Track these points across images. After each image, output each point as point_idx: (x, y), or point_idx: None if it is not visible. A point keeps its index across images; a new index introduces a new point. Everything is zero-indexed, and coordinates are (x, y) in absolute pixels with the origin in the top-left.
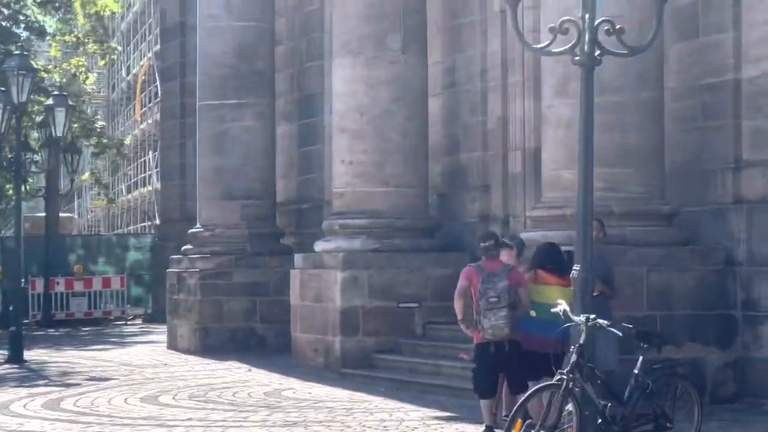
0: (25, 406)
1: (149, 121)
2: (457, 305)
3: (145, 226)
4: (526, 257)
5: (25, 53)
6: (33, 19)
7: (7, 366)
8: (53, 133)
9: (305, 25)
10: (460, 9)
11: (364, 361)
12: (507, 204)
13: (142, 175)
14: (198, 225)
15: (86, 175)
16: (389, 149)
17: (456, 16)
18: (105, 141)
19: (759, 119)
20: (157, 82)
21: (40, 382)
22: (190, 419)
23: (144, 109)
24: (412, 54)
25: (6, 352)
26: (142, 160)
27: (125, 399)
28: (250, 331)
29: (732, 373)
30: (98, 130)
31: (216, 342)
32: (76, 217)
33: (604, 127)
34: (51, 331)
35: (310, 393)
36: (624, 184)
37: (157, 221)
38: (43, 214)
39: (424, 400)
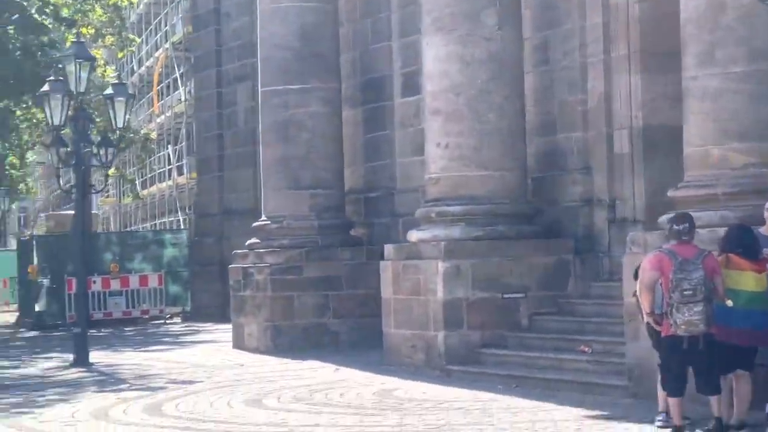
0: (124, 412)
1: (168, 114)
2: (645, 299)
3: (164, 222)
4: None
5: (82, 41)
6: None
7: (75, 369)
8: (113, 124)
9: (368, 5)
10: None
11: (469, 356)
12: (612, 187)
13: (162, 169)
14: (264, 217)
15: (112, 170)
16: (486, 131)
17: None
18: (131, 135)
19: None
20: (177, 74)
21: (122, 386)
22: (318, 425)
23: (162, 102)
24: (507, 30)
25: (67, 355)
26: (161, 154)
27: (228, 402)
28: (323, 327)
29: None
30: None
31: (287, 340)
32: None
33: (757, 98)
34: (93, 331)
35: (424, 393)
36: None
37: (181, 216)
38: (68, 212)
39: (558, 398)
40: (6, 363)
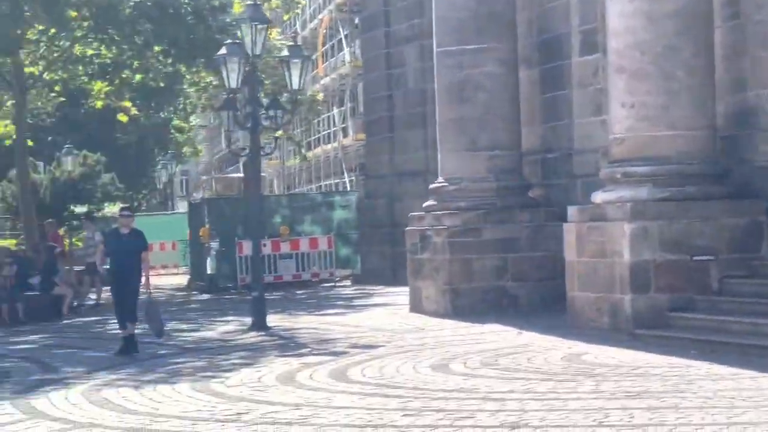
0: (310, 377)
1: (332, 76)
2: None
3: (329, 184)
4: None
5: (257, 3)
6: None
7: (254, 333)
8: (289, 86)
9: None
10: None
11: (656, 320)
12: None
13: (327, 131)
14: (440, 179)
15: (279, 132)
16: (675, 89)
17: None
18: (299, 97)
19: None
20: (341, 35)
21: (303, 350)
22: (512, 391)
23: (326, 63)
24: None
25: (243, 319)
26: (326, 116)
27: (413, 367)
28: (502, 290)
29: None
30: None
31: (467, 303)
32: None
33: None
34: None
35: (613, 358)
36: None
37: (346, 178)
38: (236, 175)
39: (757, 365)
40: (184, 326)
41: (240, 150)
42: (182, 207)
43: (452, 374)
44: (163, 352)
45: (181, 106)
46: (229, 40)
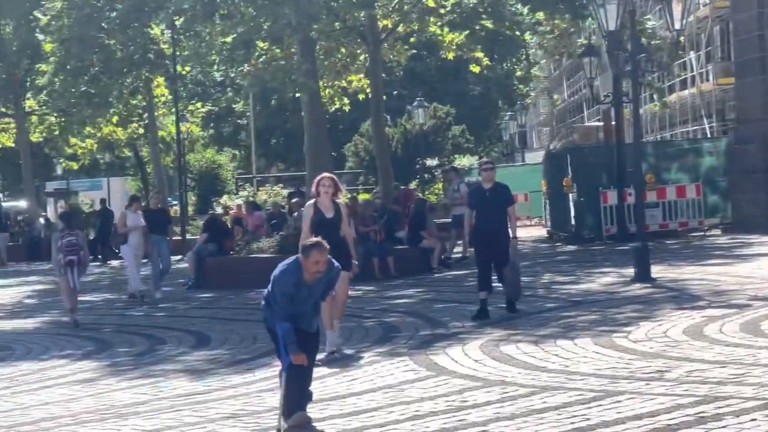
0: (720, 330)
1: (689, 19)
2: None
3: (686, 131)
4: None
5: None
6: None
7: (639, 285)
8: (669, 26)
9: None
10: None
11: None
12: None
13: (684, 75)
14: None
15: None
16: None
17: None
18: (657, 41)
19: None
20: None
21: (700, 303)
22: None
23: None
24: None
25: (621, 270)
26: (684, 60)
27: None
28: None
29: None
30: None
31: None
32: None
33: None
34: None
35: None
36: None
37: (706, 124)
38: (593, 124)
39: None
40: (562, 279)
41: (605, 97)
42: (528, 158)
43: None
44: (549, 305)
45: (524, 56)
46: None
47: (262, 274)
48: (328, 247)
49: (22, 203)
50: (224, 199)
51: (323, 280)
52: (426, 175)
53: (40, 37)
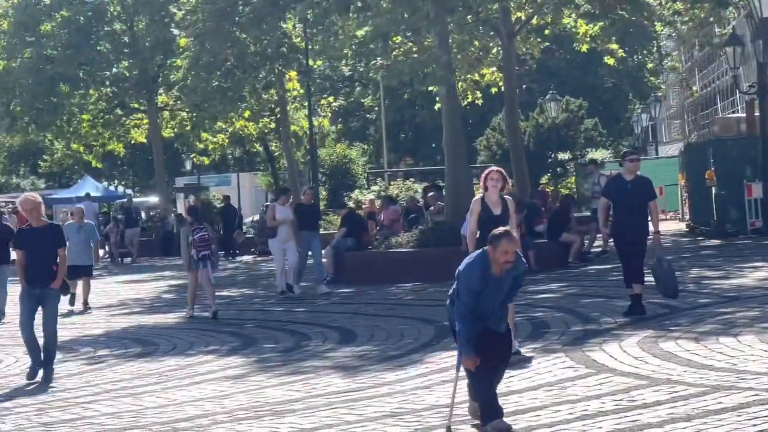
0: None
1: None
2: None
3: None
4: None
5: None
6: None
7: None
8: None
9: None
10: None
11: None
12: None
13: None
14: None
15: None
16: None
17: None
18: None
19: None
20: None
21: None
22: None
23: None
24: None
25: None
26: None
27: None
28: None
29: None
30: None
31: None
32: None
33: None
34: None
35: None
36: None
37: None
38: (734, 116)
39: None
40: (711, 273)
41: (748, 87)
42: (660, 152)
43: None
44: (703, 301)
45: (655, 48)
46: None
47: (401, 268)
48: (517, 237)
49: (152, 199)
50: (355, 193)
51: (511, 276)
52: (558, 169)
53: (175, 32)
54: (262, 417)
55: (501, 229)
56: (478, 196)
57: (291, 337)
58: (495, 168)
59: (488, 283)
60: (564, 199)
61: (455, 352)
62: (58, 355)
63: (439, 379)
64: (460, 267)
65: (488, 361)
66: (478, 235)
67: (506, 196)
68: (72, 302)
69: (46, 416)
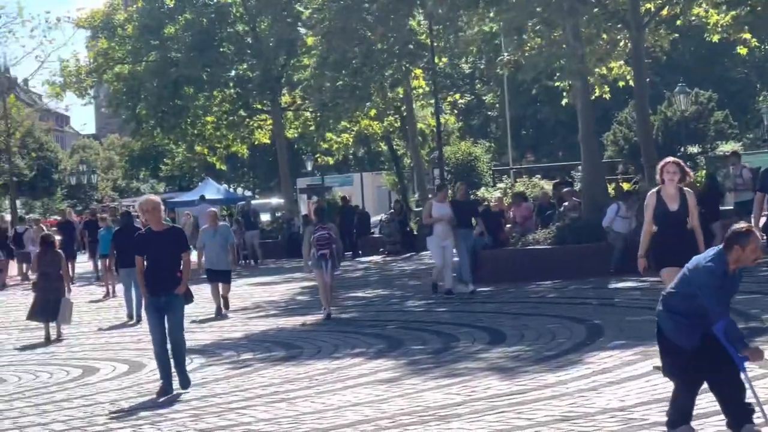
0: None
1: None
2: None
3: None
4: None
5: None
6: None
7: None
8: None
9: None
10: None
11: None
12: None
13: None
14: None
15: None
16: None
17: None
18: None
19: None
20: None
21: None
22: None
23: None
24: None
25: None
26: None
27: None
28: None
29: None
30: None
31: None
32: None
33: None
34: None
35: None
36: None
37: None
38: None
39: None
40: None
41: None
42: None
43: None
44: None
45: None
46: None
47: (539, 265)
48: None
49: (274, 200)
50: (482, 191)
51: (740, 274)
52: (688, 163)
53: (301, 31)
54: (427, 422)
55: (743, 225)
56: (653, 189)
57: (438, 338)
58: (672, 159)
59: (725, 282)
60: (708, 186)
61: (614, 352)
62: (201, 359)
63: (605, 380)
64: (698, 268)
65: (710, 364)
66: (655, 230)
67: (686, 189)
68: (226, 306)
69: (203, 422)
